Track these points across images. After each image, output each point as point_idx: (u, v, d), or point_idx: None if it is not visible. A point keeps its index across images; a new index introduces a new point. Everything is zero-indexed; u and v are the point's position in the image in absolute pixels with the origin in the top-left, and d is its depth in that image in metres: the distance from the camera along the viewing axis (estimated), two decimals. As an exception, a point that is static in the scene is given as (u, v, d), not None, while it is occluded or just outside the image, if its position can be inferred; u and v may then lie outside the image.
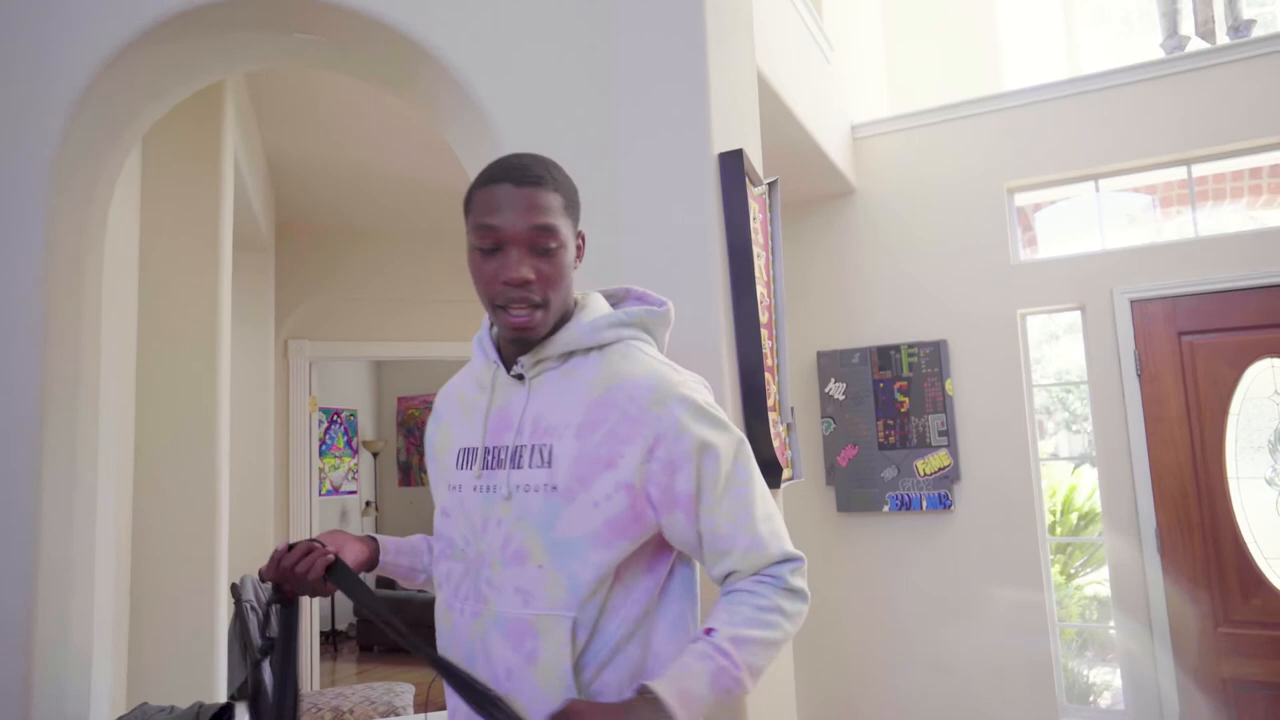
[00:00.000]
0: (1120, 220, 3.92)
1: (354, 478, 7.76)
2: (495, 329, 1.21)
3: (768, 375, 1.80)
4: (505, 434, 1.13)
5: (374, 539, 1.27)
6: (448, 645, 1.15)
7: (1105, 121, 3.76)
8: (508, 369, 1.16)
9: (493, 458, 1.13)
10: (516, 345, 1.15)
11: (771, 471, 1.78)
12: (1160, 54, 3.91)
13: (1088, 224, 3.93)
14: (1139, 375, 3.62)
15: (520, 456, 1.11)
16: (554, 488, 1.08)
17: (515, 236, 1.08)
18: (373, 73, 1.92)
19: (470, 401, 1.21)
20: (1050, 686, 3.65)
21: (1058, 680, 3.69)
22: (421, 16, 1.70)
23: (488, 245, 1.09)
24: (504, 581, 1.09)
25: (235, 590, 2.70)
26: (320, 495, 4.99)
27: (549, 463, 1.09)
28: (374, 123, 3.43)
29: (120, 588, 1.85)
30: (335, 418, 7.47)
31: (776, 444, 1.80)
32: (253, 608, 2.84)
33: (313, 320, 4.41)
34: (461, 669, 1.08)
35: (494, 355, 1.18)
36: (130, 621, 1.97)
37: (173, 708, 1.61)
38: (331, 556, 1.13)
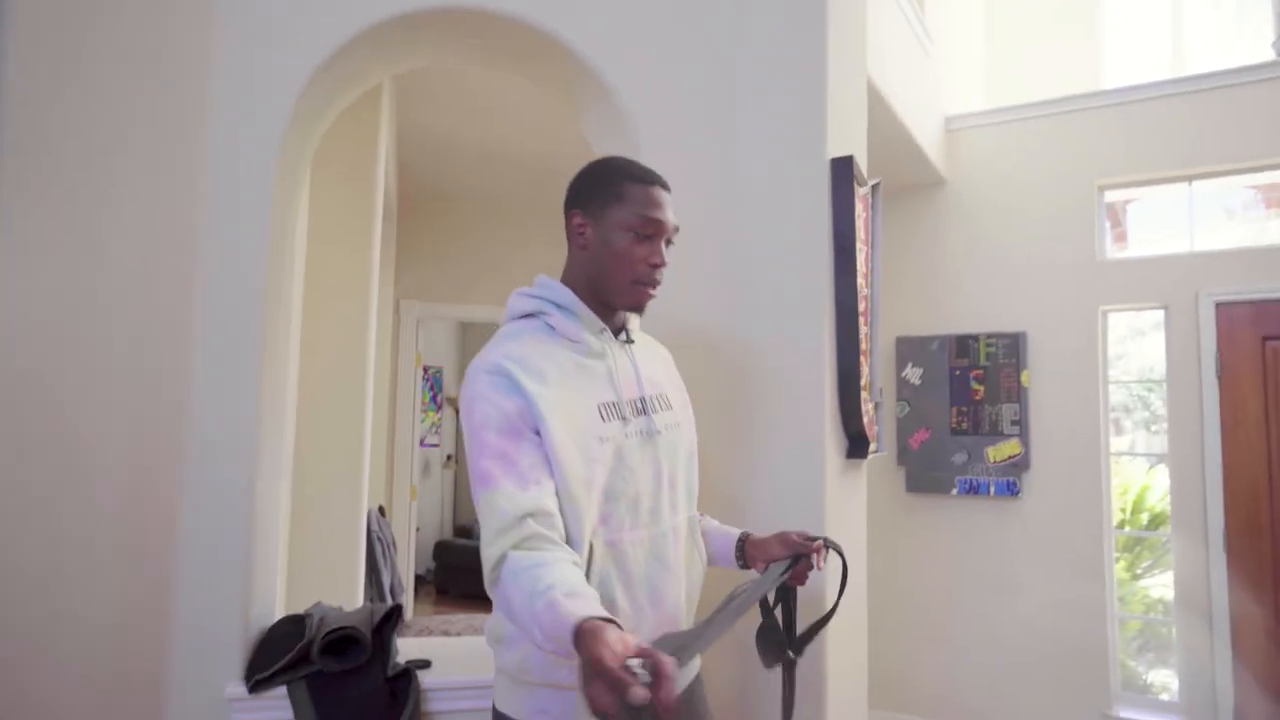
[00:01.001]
0: (1218, 219, 3.92)
1: (437, 431, 8.20)
2: (578, 305, 1.36)
3: (861, 358, 2.01)
4: (634, 387, 1.38)
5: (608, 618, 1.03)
6: (624, 569, 1.28)
7: (1200, 122, 3.78)
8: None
9: (633, 408, 1.36)
10: (602, 314, 1.38)
11: (859, 444, 2.00)
12: (1269, 55, 3.89)
13: (1179, 222, 3.97)
14: (1219, 377, 3.68)
15: (651, 404, 1.39)
16: (679, 425, 1.44)
17: (666, 231, 1.37)
18: (519, 68, 2.16)
19: (583, 367, 1.33)
20: (1105, 676, 3.78)
21: (1113, 670, 3.82)
22: (567, 17, 1.92)
23: (647, 232, 1.34)
24: (676, 502, 1.40)
25: (365, 520, 3.06)
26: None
27: (670, 406, 1.43)
28: (484, 101, 3.69)
29: (285, 511, 2.16)
30: (424, 374, 7.90)
31: (866, 420, 2.01)
32: (378, 538, 3.19)
33: (419, 282, 4.75)
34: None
35: (599, 323, 1.38)
36: (290, 539, 2.29)
37: (343, 608, 1.92)
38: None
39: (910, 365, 4.27)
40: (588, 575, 1.23)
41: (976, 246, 4.22)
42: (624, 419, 1.34)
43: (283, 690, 1.64)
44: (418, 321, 4.75)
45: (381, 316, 4.07)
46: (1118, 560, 6.00)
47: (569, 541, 1.22)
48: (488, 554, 1.17)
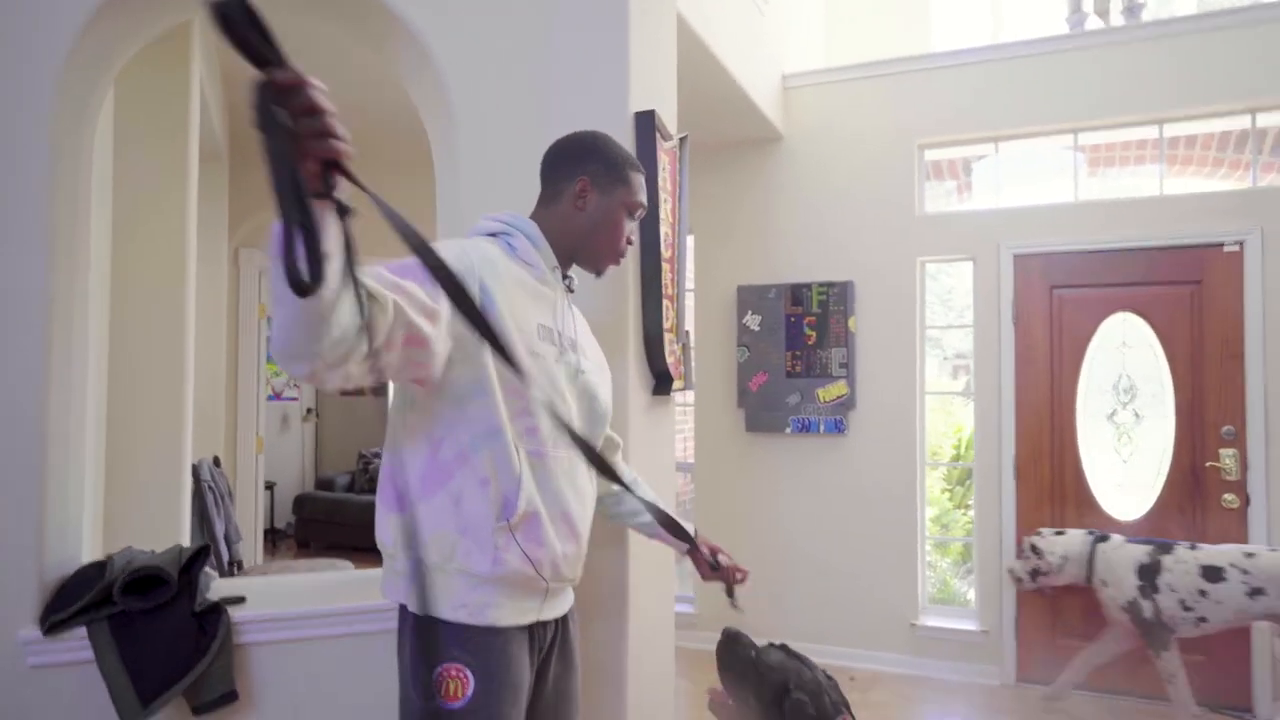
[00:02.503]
0: (1046, 176, 4.26)
1: (295, 385, 7.97)
2: (542, 241, 1.50)
3: (666, 302, 2.15)
4: (568, 327, 1.51)
5: None
6: (545, 483, 1.38)
7: (1008, 88, 4.13)
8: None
9: (568, 342, 1.48)
10: (560, 261, 1.52)
11: (664, 382, 2.15)
12: (1066, 29, 4.27)
13: (1012, 178, 4.31)
14: (1015, 322, 4.09)
15: (579, 348, 1.52)
16: (596, 376, 1.56)
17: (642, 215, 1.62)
18: (332, 16, 2.14)
19: (532, 288, 1.44)
20: (914, 591, 4.20)
21: (921, 585, 4.25)
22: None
23: (635, 215, 1.58)
24: (594, 441, 1.55)
25: (195, 470, 3.01)
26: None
27: (587, 356, 1.55)
28: (326, 45, 3.58)
29: (96, 461, 2.13)
30: (278, 325, 7.64)
31: (671, 360, 2.16)
32: (209, 486, 3.15)
33: (264, 231, 4.58)
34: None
35: (555, 263, 1.51)
36: (106, 494, 2.25)
37: (153, 551, 1.93)
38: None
39: (750, 313, 4.51)
40: (518, 480, 1.34)
41: (811, 200, 4.47)
42: (558, 346, 1.46)
43: (82, 632, 1.66)
44: (260, 272, 4.61)
45: (216, 266, 3.94)
46: (945, 492, 6.59)
47: (498, 431, 1.33)
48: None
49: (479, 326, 0.97)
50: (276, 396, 7.63)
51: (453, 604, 1.34)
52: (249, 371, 4.62)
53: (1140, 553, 3.35)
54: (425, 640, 1.35)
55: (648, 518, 1.72)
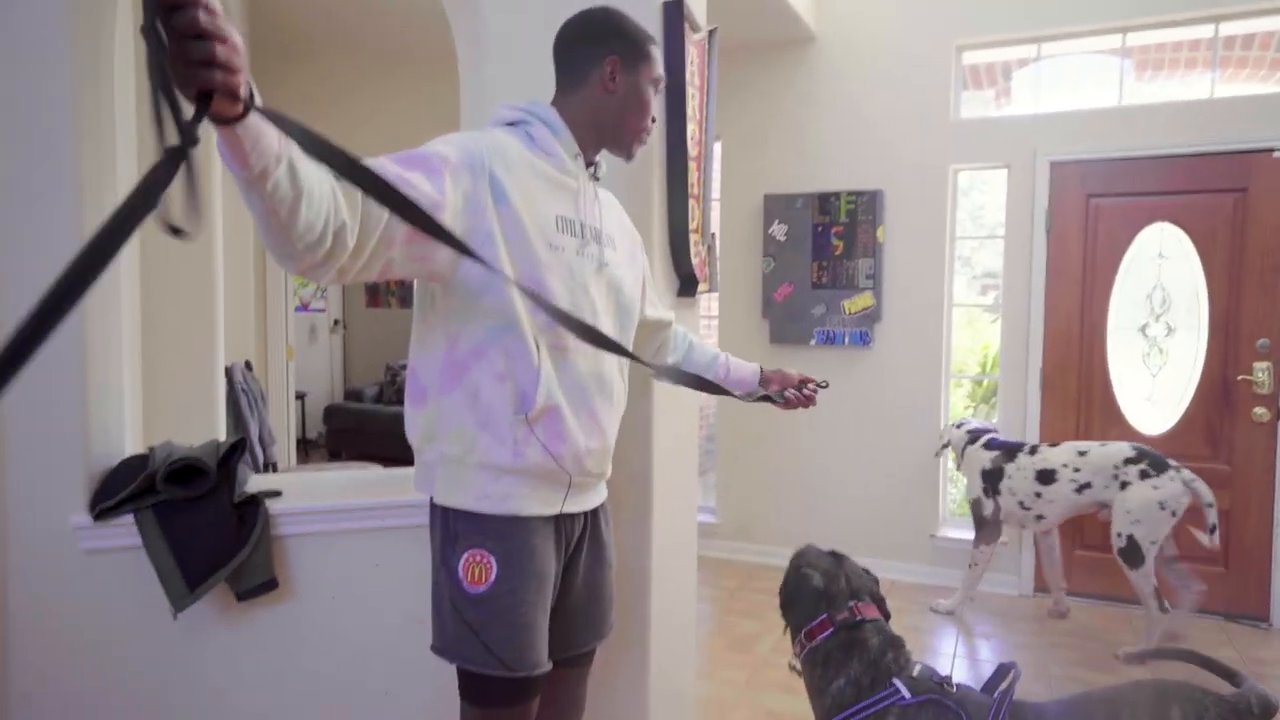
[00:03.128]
0: (1089, 82, 4.10)
1: (323, 296, 8.03)
2: (563, 129, 1.44)
3: (693, 201, 2.11)
4: (592, 217, 1.46)
5: None
6: (567, 377, 1.38)
7: (1054, -14, 3.92)
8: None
9: (591, 233, 1.44)
10: (585, 148, 1.46)
11: (689, 284, 2.14)
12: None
13: (1054, 85, 4.14)
14: (1048, 232, 3.99)
15: (605, 239, 1.48)
16: (624, 268, 1.53)
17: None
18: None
19: (552, 178, 1.39)
20: (936, 503, 4.24)
21: (943, 498, 4.29)
22: None
23: (656, 91, 1.52)
24: (624, 337, 1.51)
25: (229, 373, 3.07)
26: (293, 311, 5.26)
27: (616, 250, 1.51)
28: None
29: (134, 360, 2.17)
30: (303, 238, 7.65)
31: (695, 261, 2.14)
32: (242, 389, 3.22)
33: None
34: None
35: (576, 148, 1.45)
36: (143, 393, 2.30)
37: (190, 446, 1.98)
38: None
39: (777, 222, 4.44)
40: (536, 374, 1.33)
41: (842, 105, 4.33)
42: (580, 238, 1.42)
43: (130, 519, 1.72)
44: (283, 178, 4.58)
45: (239, 171, 3.91)
46: (969, 409, 6.58)
47: (513, 325, 1.32)
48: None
49: (416, 221, 0.96)
50: (304, 308, 7.71)
51: (475, 495, 1.36)
52: (276, 281, 4.65)
53: (988, 458, 3.64)
54: (451, 529, 1.39)
55: (711, 372, 1.82)
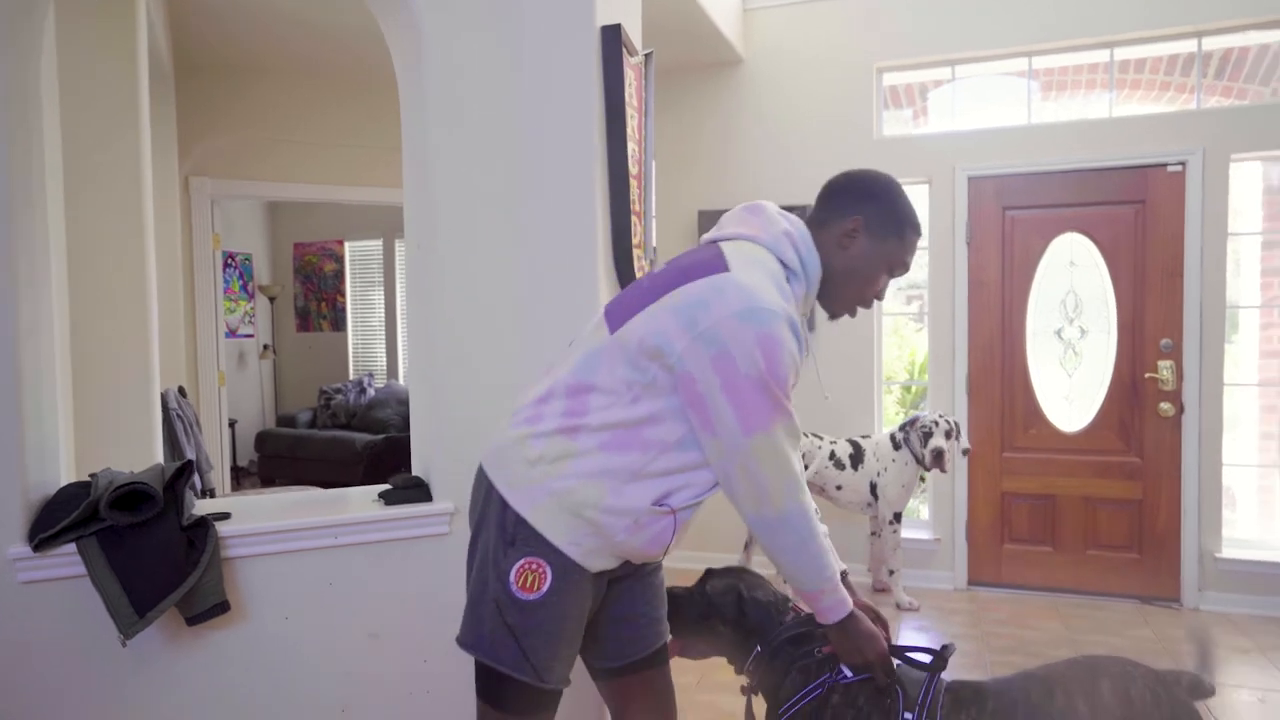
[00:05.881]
0: (999, 99, 4.33)
1: (250, 321, 7.84)
2: (814, 291, 1.48)
3: (634, 218, 2.18)
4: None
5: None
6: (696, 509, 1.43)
7: (964, 11, 4.15)
8: None
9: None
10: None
11: (634, 297, 2.20)
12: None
13: (968, 105, 4.36)
14: (968, 243, 4.20)
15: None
16: None
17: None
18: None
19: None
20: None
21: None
22: None
23: (896, 274, 1.51)
24: None
25: (163, 399, 3.00)
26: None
27: None
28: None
29: (65, 385, 2.12)
30: (230, 260, 7.46)
31: (639, 275, 2.20)
32: (177, 415, 3.14)
33: (214, 158, 4.45)
34: None
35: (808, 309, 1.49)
36: (78, 421, 2.24)
37: (132, 472, 1.95)
38: None
39: (711, 238, 4.54)
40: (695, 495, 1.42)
41: (770, 124, 4.48)
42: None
43: (71, 548, 1.69)
44: (212, 201, 4.49)
45: (167, 195, 3.83)
46: (899, 415, 6.80)
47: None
48: (792, 489, 1.33)
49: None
50: (232, 334, 7.51)
51: (567, 539, 1.36)
52: (206, 304, 4.55)
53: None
54: (509, 531, 1.38)
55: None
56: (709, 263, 1.37)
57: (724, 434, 1.31)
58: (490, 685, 1.42)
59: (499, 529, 1.39)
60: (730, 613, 1.65)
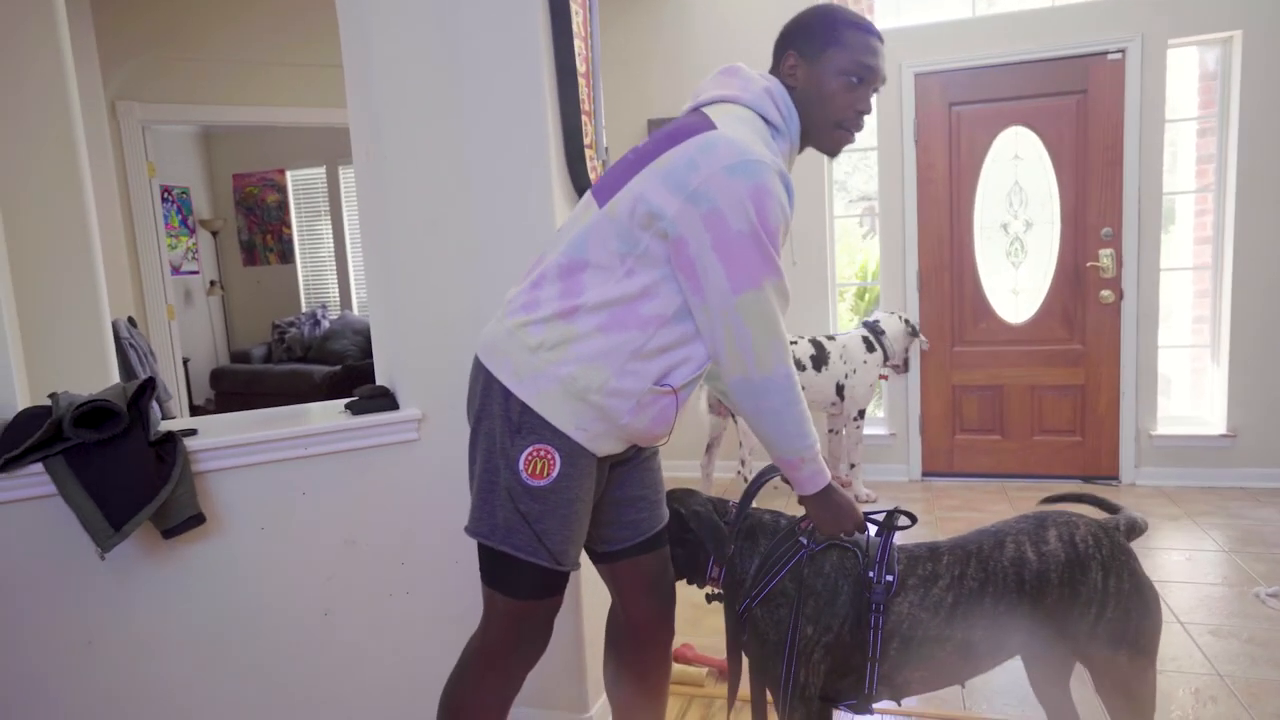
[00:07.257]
0: None
1: (194, 258, 7.63)
2: (796, 145, 1.47)
3: (584, 118, 2.16)
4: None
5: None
6: (693, 380, 1.44)
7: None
8: None
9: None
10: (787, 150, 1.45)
11: (588, 199, 2.20)
12: None
13: (913, 2, 4.33)
14: (916, 142, 4.23)
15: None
16: None
17: (877, 79, 1.46)
18: None
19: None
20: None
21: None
22: None
23: (861, 77, 1.43)
24: None
25: (114, 329, 2.94)
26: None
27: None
28: None
29: (10, 314, 2.07)
30: (167, 194, 7.20)
31: (592, 176, 2.20)
32: (130, 344, 3.09)
33: (140, 81, 4.24)
34: None
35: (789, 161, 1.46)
36: (29, 351, 2.20)
37: (93, 393, 1.93)
38: None
39: (663, 147, 4.50)
40: (695, 368, 1.43)
41: (717, 29, 4.41)
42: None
43: (38, 468, 1.68)
44: (143, 127, 4.30)
45: (95, 120, 3.67)
46: (852, 321, 6.92)
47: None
48: (779, 352, 1.34)
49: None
50: (176, 271, 7.31)
51: (574, 424, 1.37)
52: (148, 237, 4.41)
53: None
54: (514, 420, 1.38)
55: None
56: (695, 125, 1.36)
57: (713, 295, 1.31)
58: (501, 572, 1.43)
59: (504, 419, 1.39)
60: (677, 533, 1.70)
